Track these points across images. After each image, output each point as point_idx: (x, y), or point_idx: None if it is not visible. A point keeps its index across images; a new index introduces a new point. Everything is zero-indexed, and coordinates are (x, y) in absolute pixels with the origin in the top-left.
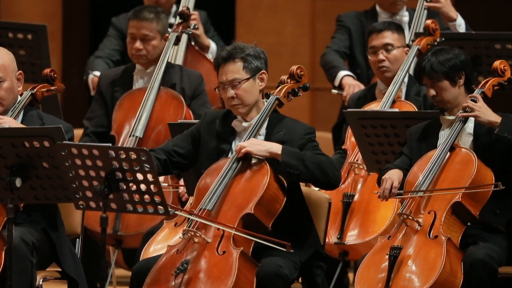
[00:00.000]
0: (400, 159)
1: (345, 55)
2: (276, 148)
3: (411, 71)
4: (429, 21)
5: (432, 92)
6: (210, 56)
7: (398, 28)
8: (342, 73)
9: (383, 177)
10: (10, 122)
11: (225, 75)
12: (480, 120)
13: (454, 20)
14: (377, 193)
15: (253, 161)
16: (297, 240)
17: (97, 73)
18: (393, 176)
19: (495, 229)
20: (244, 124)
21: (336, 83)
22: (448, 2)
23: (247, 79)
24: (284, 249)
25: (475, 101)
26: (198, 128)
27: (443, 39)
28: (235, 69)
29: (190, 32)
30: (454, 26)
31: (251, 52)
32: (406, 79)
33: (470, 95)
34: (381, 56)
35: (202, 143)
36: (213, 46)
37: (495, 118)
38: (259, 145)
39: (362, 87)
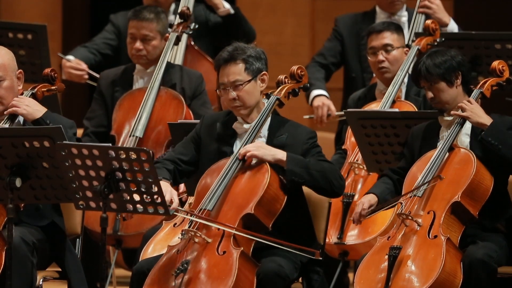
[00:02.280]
0: (401, 162)
1: (332, 64)
2: (281, 155)
3: (411, 71)
4: (429, 21)
5: (430, 94)
6: (226, 6)
7: (397, 29)
8: (314, 92)
9: (358, 201)
10: (30, 102)
11: (226, 76)
12: (471, 121)
13: (446, 25)
14: (351, 218)
15: (253, 161)
16: (298, 241)
17: (70, 57)
18: (364, 199)
19: (494, 229)
20: (245, 126)
21: (309, 102)
22: (440, 8)
23: (249, 81)
24: (313, 257)
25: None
26: (198, 132)
27: (443, 39)
28: (237, 71)
29: (190, 32)
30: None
31: (252, 53)
32: (406, 79)
33: (467, 99)
34: (380, 57)
35: (203, 146)
36: (224, 2)
37: (486, 120)
38: (265, 150)
39: (331, 105)
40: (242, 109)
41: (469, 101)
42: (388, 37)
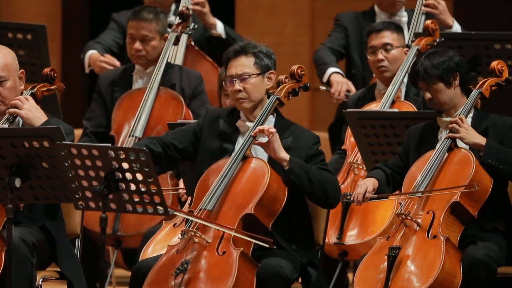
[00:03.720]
0: (393, 158)
1: (339, 53)
2: (284, 155)
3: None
4: (428, 22)
5: (428, 95)
6: (219, 31)
7: (397, 28)
8: (331, 69)
9: (358, 183)
10: (32, 106)
11: (234, 68)
12: (466, 142)
13: (450, 27)
14: (349, 196)
15: (253, 161)
16: (298, 241)
17: (93, 52)
18: (368, 182)
19: (494, 229)
20: (249, 124)
21: (325, 79)
22: (445, 9)
23: (257, 74)
24: (267, 245)
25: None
26: (200, 127)
27: (442, 39)
28: (246, 63)
29: (190, 32)
30: None
31: (263, 50)
32: (405, 80)
33: (460, 116)
34: (380, 56)
35: (203, 142)
36: (219, 23)
37: (480, 140)
38: (278, 141)
39: (350, 85)
40: (245, 102)
41: (460, 119)
42: (388, 36)
